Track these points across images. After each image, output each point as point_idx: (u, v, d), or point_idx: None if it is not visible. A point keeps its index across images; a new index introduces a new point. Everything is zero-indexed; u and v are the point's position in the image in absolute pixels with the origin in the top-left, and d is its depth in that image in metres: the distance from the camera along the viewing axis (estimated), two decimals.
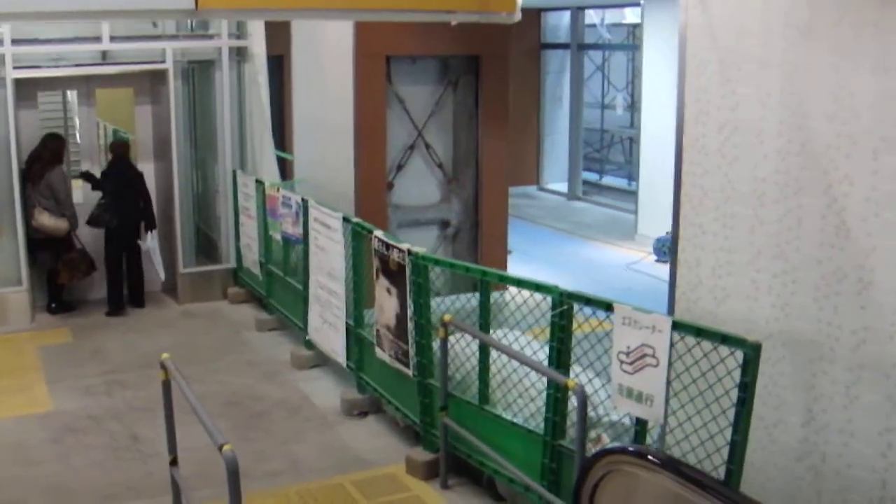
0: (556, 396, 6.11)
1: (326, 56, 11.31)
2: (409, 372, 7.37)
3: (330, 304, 8.82)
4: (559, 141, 19.94)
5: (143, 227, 11.45)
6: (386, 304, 7.58)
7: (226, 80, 11.76)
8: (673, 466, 4.39)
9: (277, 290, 10.67)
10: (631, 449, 4.81)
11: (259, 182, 10.84)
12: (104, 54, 11.24)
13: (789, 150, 5.53)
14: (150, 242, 11.41)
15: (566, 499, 5.96)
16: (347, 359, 8.62)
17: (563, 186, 19.56)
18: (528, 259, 13.63)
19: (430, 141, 11.36)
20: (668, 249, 14.10)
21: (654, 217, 14.95)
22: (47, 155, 11.09)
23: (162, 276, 11.62)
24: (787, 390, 5.58)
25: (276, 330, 10.81)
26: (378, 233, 7.72)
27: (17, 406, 8.80)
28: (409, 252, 7.14)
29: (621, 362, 5.60)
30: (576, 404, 6.01)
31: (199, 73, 12.43)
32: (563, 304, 6.04)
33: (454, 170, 11.50)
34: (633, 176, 19.59)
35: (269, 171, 11.57)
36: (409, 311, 7.21)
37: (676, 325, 5.38)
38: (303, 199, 9.43)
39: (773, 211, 5.66)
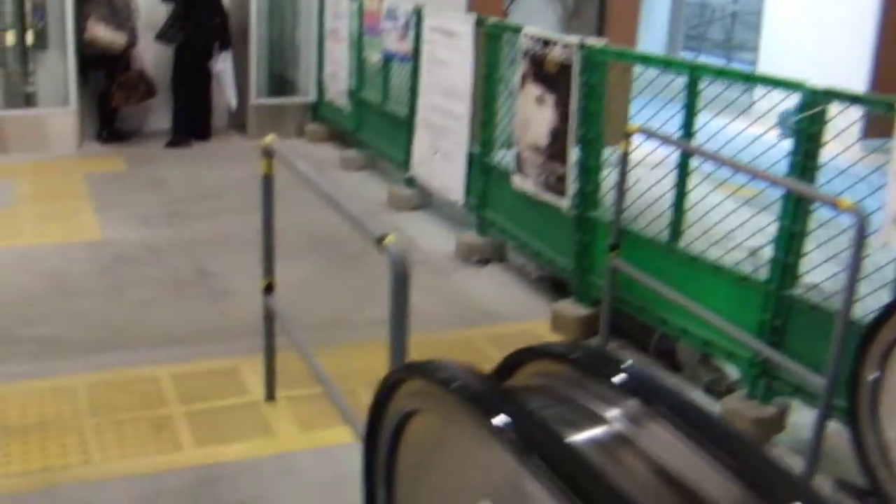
0: (792, 231, 4.54)
1: None
2: (564, 203, 5.81)
3: (445, 130, 7.24)
4: (657, 12, 18.04)
5: (216, 47, 9.87)
6: (535, 117, 5.99)
7: None
8: None
9: (369, 122, 9.08)
10: None
11: None
12: None
13: None
14: (223, 64, 9.83)
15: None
16: (467, 195, 7.07)
17: None
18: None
19: None
20: (793, 124, 12.47)
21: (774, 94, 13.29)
22: None
23: (233, 103, 10.06)
24: None
25: (366, 169, 9.25)
26: (530, 28, 6.10)
27: (58, 233, 7.32)
28: (582, 45, 5.52)
29: None
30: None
31: None
32: (816, 105, 4.44)
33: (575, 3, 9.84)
34: (732, 57, 17.84)
35: None
36: (573, 122, 5.63)
37: None
38: (415, 7, 7.80)
39: None
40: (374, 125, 8.94)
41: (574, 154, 5.67)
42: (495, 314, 6.05)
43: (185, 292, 6.27)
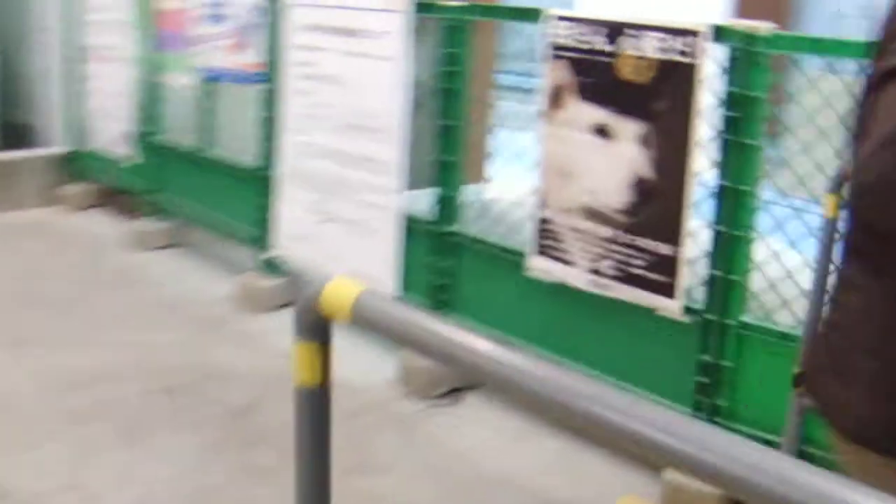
0: None
1: None
2: (672, 304, 3.34)
3: (346, 184, 4.60)
4: None
5: None
6: (590, 161, 3.50)
7: None
8: None
9: (178, 177, 6.13)
10: None
11: None
12: None
13: None
14: None
15: None
16: (405, 289, 4.45)
17: None
18: None
19: None
20: None
21: None
22: None
23: None
24: None
25: (179, 246, 6.27)
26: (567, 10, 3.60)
27: None
28: (720, 28, 3.11)
29: None
30: None
31: None
32: None
33: None
34: None
35: None
36: (690, 165, 3.19)
37: None
38: None
39: None
40: (186, 181, 6.05)
41: (690, 220, 3.24)
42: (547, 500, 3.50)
43: None
